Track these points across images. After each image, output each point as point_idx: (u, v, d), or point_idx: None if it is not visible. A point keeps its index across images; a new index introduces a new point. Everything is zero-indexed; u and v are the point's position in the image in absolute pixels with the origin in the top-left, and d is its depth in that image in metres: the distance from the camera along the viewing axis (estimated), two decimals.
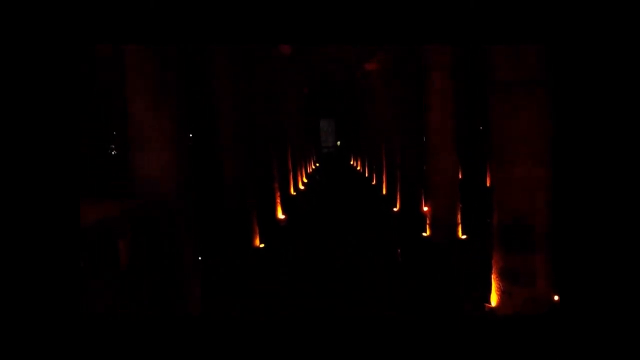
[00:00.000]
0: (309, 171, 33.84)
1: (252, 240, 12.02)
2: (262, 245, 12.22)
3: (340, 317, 7.54)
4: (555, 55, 4.66)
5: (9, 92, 3.14)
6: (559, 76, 4.36)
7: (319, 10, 3.96)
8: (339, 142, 55.33)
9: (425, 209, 13.40)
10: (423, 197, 14.91)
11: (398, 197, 17.08)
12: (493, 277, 7.03)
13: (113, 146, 12.64)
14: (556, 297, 6.60)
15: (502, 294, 6.87)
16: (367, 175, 29.23)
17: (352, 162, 43.73)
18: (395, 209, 17.32)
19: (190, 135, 11.53)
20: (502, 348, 3.48)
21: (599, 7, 3.70)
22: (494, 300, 7.01)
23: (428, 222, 12.63)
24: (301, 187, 25.64)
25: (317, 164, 43.12)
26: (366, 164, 30.08)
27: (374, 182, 25.12)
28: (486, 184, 20.56)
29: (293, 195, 21.82)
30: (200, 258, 7.07)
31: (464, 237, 12.20)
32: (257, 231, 12.22)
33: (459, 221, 12.25)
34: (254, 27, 4.03)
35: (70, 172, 3.39)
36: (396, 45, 14.95)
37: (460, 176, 13.13)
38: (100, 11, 3.63)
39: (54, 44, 3.27)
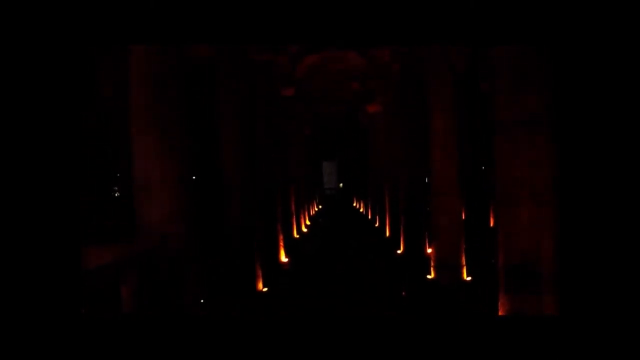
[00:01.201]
0: (311, 213, 33.77)
1: (255, 284, 11.91)
2: (265, 290, 12.10)
3: (340, 317, 7.39)
4: (557, 90, 4.68)
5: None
6: (562, 114, 4.38)
7: (318, 10, 3.99)
8: (341, 184, 55.41)
9: (430, 250, 13.31)
10: (427, 238, 14.83)
11: (402, 239, 16.99)
12: None
13: (116, 188, 12.67)
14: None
15: None
16: (370, 217, 29.16)
17: (354, 204, 43.69)
18: (399, 251, 17.21)
19: (194, 177, 11.56)
20: (501, 348, 3.44)
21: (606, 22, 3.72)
22: None
23: (432, 264, 12.52)
24: (304, 229, 25.55)
25: (320, 206, 43.06)
26: (369, 205, 30.04)
27: (377, 224, 25.03)
28: (490, 225, 20.49)
29: (296, 238, 21.73)
30: (202, 301, 6.99)
31: (468, 278, 12.08)
32: (260, 275, 12.12)
33: (464, 263, 12.15)
34: (253, 27, 4.05)
35: (70, 181, 3.40)
36: (394, 45, 14.87)
37: (463, 217, 13.08)
38: (98, 11, 3.66)
39: (51, 44, 3.28)
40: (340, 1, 4.00)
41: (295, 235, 21.92)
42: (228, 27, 4.08)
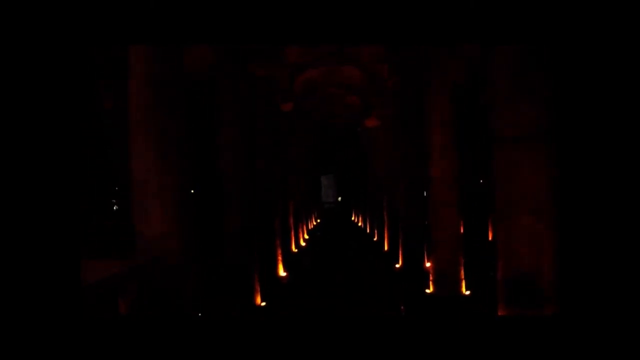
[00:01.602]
0: (310, 227, 33.71)
1: (253, 298, 11.84)
2: (263, 304, 12.03)
3: (340, 317, 7.32)
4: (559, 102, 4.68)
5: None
6: (563, 121, 4.38)
7: (317, 9, 3.99)
8: (340, 198, 55.40)
9: (429, 264, 13.26)
10: (426, 252, 14.78)
11: (400, 253, 16.94)
12: None
13: (114, 201, 12.65)
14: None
15: None
16: (368, 231, 29.09)
17: (353, 218, 43.63)
18: (397, 265, 17.15)
19: (195, 186, 11.55)
20: (501, 348, 3.42)
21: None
22: None
23: (431, 277, 12.46)
24: (303, 243, 25.48)
25: (319, 220, 43.00)
26: (367, 219, 29.99)
27: (375, 238, 24.96)
28: (489, 238, 20.44)
29: (294, 252, 21.67)
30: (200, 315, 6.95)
31: (467, 292, 12.02)
32: (259, 289, 12.04)
33: (463, 276, 12.09)
34: (251, 27, 4.05)
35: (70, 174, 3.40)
36: (391, 44, 14.68)
37: (462, 229, 13.03)
38: (98, 11, 3.65)
39: (50, 44, 3.27)
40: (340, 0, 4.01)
41: (294, 249, 21.86)
42: (227, 27, 4.08)
